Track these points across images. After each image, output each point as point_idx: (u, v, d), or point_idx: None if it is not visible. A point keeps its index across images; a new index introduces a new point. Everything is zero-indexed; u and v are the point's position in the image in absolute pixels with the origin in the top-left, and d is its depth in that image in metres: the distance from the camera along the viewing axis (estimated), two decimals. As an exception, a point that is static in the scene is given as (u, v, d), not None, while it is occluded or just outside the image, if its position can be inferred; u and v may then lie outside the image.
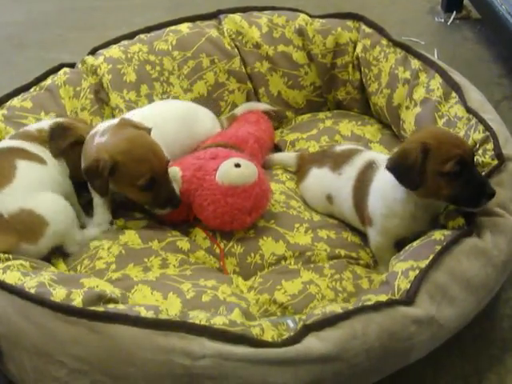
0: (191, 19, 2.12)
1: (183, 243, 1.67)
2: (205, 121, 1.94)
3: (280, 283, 1.55)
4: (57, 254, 1.64)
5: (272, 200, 1.75)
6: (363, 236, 1.69)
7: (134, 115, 1.76)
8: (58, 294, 1.31)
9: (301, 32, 2.10)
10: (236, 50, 2.09)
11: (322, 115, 2.13)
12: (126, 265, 1.59)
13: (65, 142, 1.69)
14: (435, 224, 1.55)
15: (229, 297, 1.49)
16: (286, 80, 2.11)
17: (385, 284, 1.42)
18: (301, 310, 1.49)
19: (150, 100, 1.99)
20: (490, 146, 1.57)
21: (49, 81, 1.96)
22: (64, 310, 1.28)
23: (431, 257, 1.38)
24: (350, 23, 2.11)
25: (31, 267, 1.48)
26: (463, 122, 1.69)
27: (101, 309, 1.29)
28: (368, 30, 2.06)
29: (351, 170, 1.69)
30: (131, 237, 1.66)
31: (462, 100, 1.73)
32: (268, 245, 1.65)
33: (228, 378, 1.23)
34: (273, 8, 2.16)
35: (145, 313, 1.29)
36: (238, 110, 2.05)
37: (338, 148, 1.80)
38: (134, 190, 1.61)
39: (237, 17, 2.11)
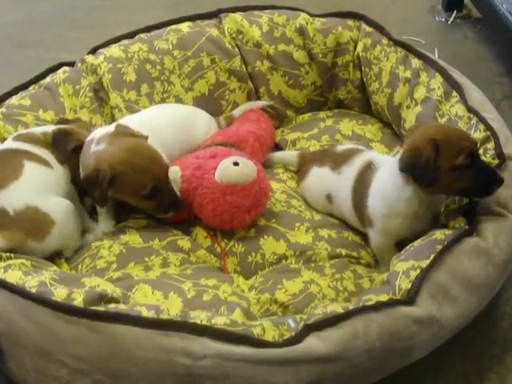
0: (191, 18, 2.12)
1: (184, 242, 1.66)
2: (202, 124, 1.93)
3: (281, 282, 1.55)
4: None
5: (273, 199, 1.75)
6: (364, 235, 1.69)
7: (131, 120, 1.75)
8: (59, 293, 1.31)
9: (301, 31, 2.09)
10: (236, 49, 2.09)
11: (322, 114, 2.13)
12: (127, 264, 1.59)
13: (66, 148, 1.69)
14: (436, 223, 1.55)
15: (230, 296, 1.49)
16: (287, 79, 2.11)
17: (386, 284, 1.42)
18: (302, 310, 1.49)
19: (151, 99, 1.99)
20: (490, 145, 1.57)
21: (48, 79, 1.96)
22: (65, 309, 1.28)
23: (432, 256, 1.38)
24: (350, 22, 2.10)
25: (32, 266, 1.47)
26: (464, 121, 1.69)
27: (102, 308, 1.29)
28: (368, 29, 2.06)
29: (350, 171, 1.68)
30: (132, 236, 1.66)
31: (463, 99, 1.72)
32: (269, 244, 1.65)
33: (229, 378, 1.23)
34: (273, 7, 2.16)
35: (146, 313, 1.29)
36: (236, 111, 2.05)
37: (340, 147, 1.80)
38: (136, 199, 1.61)
39: (237, 16, 2.11)
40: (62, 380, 1.27)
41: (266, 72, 2.10)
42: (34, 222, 1.55)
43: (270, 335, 1.28)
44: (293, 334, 1.28)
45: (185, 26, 2.09)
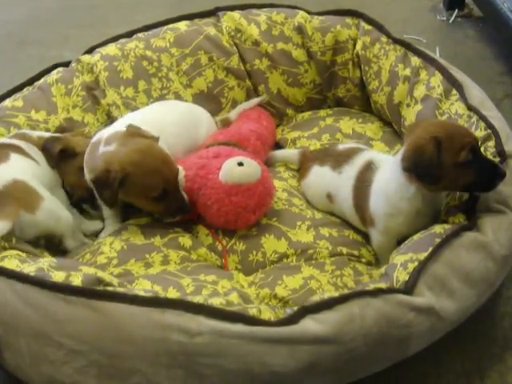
0: (189, 17, 2.12)
1: (185, 240, 1.66)
2: (205, 122, 1.93)
3: (281, 278, 1.55)
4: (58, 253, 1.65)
5: (274, 197, 1.75)
6: (365, 234, 1.69)
7: (134, 118, 1.74)
8: (57, 276, 1.32)
9: (300, 29, 2.09)
10: (235, 47, 2.09)
11: (322, 113, 2.13)
12: (128, 260, 1.58)
13: (54, 152, 1.70)
14: (437, 220, 1.54)
15: (229, 291, 1.48)
16: (286, 77, 2.11)
17: (384, 276, 1.42)
18: (301, 305, 1.48)
19: (149, 95, 1.99)
20: (491, 143, 1.57)
21: (41, 80, 1.96)
22: (63, 289, 1.28)
23: (430, 249, 1.38)
24: (349, 20, 2.10)
25: (28, 256, 1.47)
26: (464, 119, 1.68)
27: (100, 288, 1.30)
28: (367, 27, 2.06)
29: (351, 170, 1.68)
30: (133, 232, 1.66)
31: (463, 97, 1.72)
32: (270, 242, 1.65)
33: (224, 356, 1.23)
34: (271, 5, 2.16)
35: (143, 294, 1.30)
36: (233, 114, 2.04)
37: (341, 146, 1.80)
38: (145, 201, 1.60)
39: (235, 14, 2.11)
40: (58, 362, 1.27)
41: (264, 70, 2.10)
42: (23, 192, 1.55)
43: (266, 316, 1.29)
44: (289, 315, 1.28)
45: (182, 25, 2.09)
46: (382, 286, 1.35)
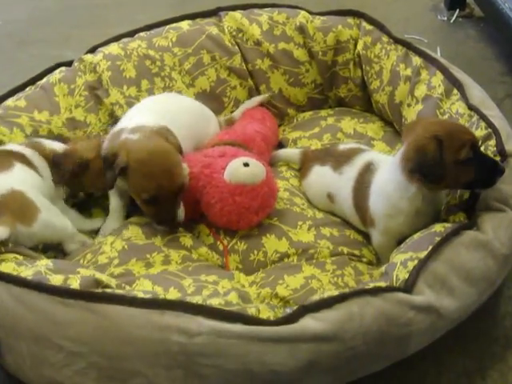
0: (191, 17, 2.12)
1: (186, 239, 1.66)
2: (213, 121, 1.94)
3: (282, 278, 1.55)
4: (59, 253, 1.65)
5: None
6: (366, 234, 1.69)
7: (150, 109, 1.77)
8: (55, 279, 1.32)
9: (301, 29, 2.09)
10: (237, 47, 2.09)
11: (324, 112, 2.13)
12: (129, 260, 1.58)
13: (67, 170, 1.70)
14: (437, 219, 1.54)
15: (228, 291, 1.48)
16: (287, 77, 2.11)
17: (384, 275, 1.42)
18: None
19: (151, 95, 1.98)
20: (492, 142, 1.57)
21: (44, 79, 1.95)
22: (61, 292, 1.29)
23: (430, 248, 1.38)
24: (350, 20, 2.10)
25: (25, 259, 1.47)
26: (465, 118, 1.68)
27: (98, 290, 1.31)
28: (369, 27, 2.06)
29: (351, 171, 1.69)
30: (134, 232, 1.66)
31: (464, 97, 1.72)
32: (271, 242, 1.65)
33: (223, 356, 1.23)
34: (273, 5, 2.16)
35: (142, 296, 1.30)
36: (237, 114, 2.05)
37: (342, 146, 1.80)
38: (138, 199, 1.62)
39: (237, 14, 2.11)
40: (58, 365, 1.28)
41: (266, 70, 2.10)
42: (19, 204, 1.55)
43: (265, 316, 1.29)
44: (288, 314, 1.28)
45: (184, 24, 2.09)
46: (382, 284, 1.35)
